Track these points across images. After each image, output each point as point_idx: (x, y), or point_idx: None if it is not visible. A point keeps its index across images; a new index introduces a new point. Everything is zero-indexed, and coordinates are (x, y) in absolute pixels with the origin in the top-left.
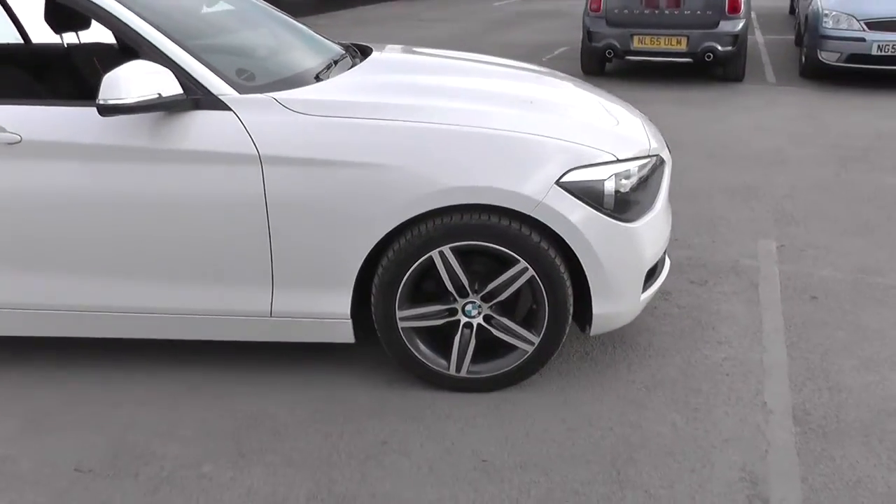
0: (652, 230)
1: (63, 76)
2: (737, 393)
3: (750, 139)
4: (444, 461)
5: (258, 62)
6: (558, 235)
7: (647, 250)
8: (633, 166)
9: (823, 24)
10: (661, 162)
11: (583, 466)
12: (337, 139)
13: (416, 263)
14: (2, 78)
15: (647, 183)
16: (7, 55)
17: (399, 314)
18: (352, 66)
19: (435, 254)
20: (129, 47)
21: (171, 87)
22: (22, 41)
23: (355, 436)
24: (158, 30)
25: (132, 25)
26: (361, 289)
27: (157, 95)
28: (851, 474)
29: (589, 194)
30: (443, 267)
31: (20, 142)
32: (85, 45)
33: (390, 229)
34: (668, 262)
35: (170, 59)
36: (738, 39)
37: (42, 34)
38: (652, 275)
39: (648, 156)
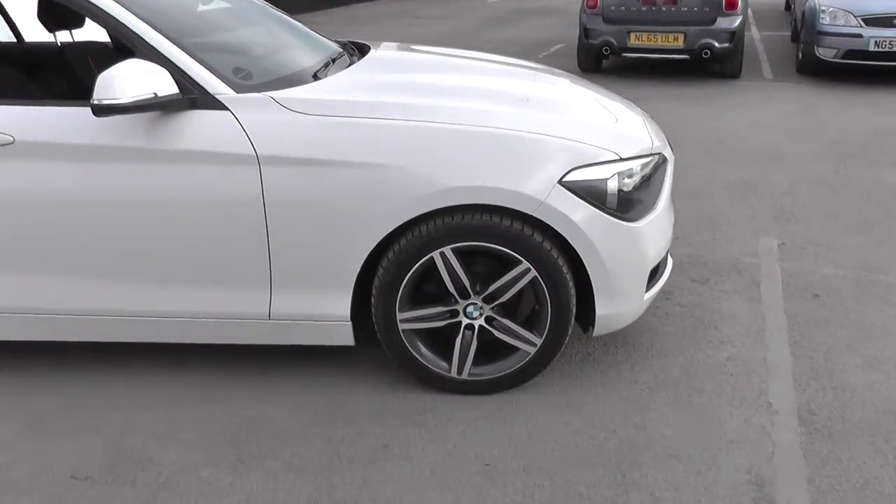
0: (655, 229)
1: (57, 76)
2: (741, 393)
3: (748, 136)
4: (446, 465)
5: (255, 61)
6: (561, 236)
7: (650, 250)
8: (635, 165)
9: (820, 21)
10: (664, 160)
11: (587, 469)
12: (336, 139)
13: (417, 264)
14: None
15: (649, 182)
16: None
17: (399, 316)
18: (350, 65)
19: (436, 255)
20: (124, 46)
21: (167, 86)
22: (15, 40)
23: (356, 439)
24: (154, 28)
25: (127, 23)
26: (361, 290)
27: (153, 95)
28: (858, 476)
29: (592, 194)
30: (444, 268)
31: (13, 143)
32: (79, 43)
33: (390, 230)
34: (670, 261)
35: (166, 57)
36: (736, 36)
37: (35, 33)
38: (655, 274)
39: (651, 154)
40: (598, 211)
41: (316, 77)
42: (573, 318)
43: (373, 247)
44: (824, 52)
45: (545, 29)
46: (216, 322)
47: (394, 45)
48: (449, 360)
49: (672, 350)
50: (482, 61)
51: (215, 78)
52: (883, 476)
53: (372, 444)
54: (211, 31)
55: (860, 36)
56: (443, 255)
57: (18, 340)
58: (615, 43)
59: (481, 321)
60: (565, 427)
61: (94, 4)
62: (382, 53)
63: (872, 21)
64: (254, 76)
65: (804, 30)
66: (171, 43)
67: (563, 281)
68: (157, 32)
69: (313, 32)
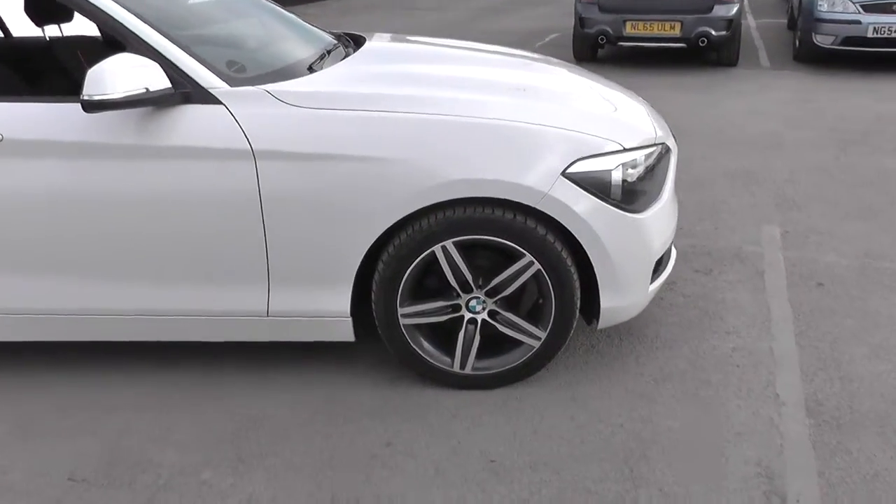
0: (659, 220)
1: (45, 71)
2: (748, 384)
3: (746, 124)
4: (450, 462)
5: (249, 53)
6: (564, 228)
7: (655, 241)
8: (639, 155)
9: (818, 7)
10: (667, 150)
11: (594, 464)
12: (333, 132)
13: (418, 259)
14: None
15: (653, 172)
16: None
17: (401, 311)
18: (345, 57)
19: (437, 249)
20: (115, 40)
21: (158, 80)
22: (1, 35)
23: (358, 437)
24: (144, 21)
25: (117, 17)
26: (361, 285)
27: (145, 90)
28: (869, 468)
29: (595, 185)
30: (445, 262)
31: (2, 140)
32: (68, 38)
33: (391, 224)
34: (674, 251)
35: (157, 51)
36: (733, 24)
37: (23, 27)
38: (659, 266)
39: (654, 144)
40: (602, 202)
41: (311, 69)
42: (578, 312)
43: (372, 241)
44: (822, 39)
45: (540, 18)
46: (213, 320)
47: (389, 36)
48: (451, 355)
49: (677, 341)
50: (479, 51)
51: (208, 71)
52: (893, 468)
53: (374, 441)
54: (203, 24)
55: (859, 22)
56: (444, 248)
57: (11, 342)
58: (611, 32)
59: (484, 315)
60: (571, 422)
61: None
62: (378, 45)
63: (871, 7)
64: (248, 69)
65: (801, 17)
66: (162, 36)
67: (568, 274)
68: (147, 26)
69: (307, 24)
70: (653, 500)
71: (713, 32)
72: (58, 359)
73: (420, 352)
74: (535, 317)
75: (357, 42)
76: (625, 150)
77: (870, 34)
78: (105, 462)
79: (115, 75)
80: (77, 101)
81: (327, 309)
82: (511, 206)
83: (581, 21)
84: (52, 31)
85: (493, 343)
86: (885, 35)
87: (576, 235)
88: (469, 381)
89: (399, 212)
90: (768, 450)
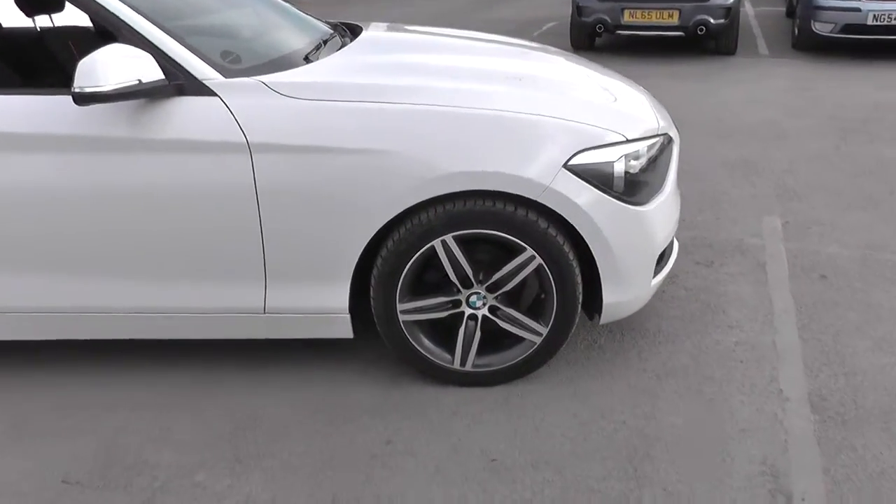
0: (662, 213)
1: (36, 62)
2: (751, 380)
3: (745, 113)
4: (451, 460)
5: (244, 44)
6: (566, 221)
7: (658, 234)
8: (642, 146)
9: None
10: (670, 140)
11: (597, 462)
12: (330, 124)
13: (418, 254)
14: None
15: (656, 163)
16: None
17: (400, 307)
18: (342, 47)
19: (437, 243)
20: (106, 30)
21: (151, 72)
22: None
23: (357, 435)
24: (137, 11)
25: (108, 7)
26: (360, 281)
27: (137, 82)
28: (875, 465)
29: (598, 177)
30: (445, 257)
31: None
32: (59, 28)
33: (389, 218)
34: (676, 244)
35: (150, 42)
36: (731, 12)
37: (12, 17)
38: (662, 259)
39: (657, 135)
40: (604, 195)
41: (307, 60)
42: (580, 306)
43: (371, 236)
44: (821, 27)
45: (537, 7)
46: (209, 317)
47: (386, 25)
48: (452, 351)
49: (679, 335)
50: (477, 41)
51: (202, 62)
52: None
53: (374, 439)
54: (197, 14)
55: (858, 10)
56: (444, 243)
57: (5, 340)
58: (609, 20)
59: (485, 311)
60: (573, 419)
61: None
62: (375, 34)
63: None
64: (243, 60)
65: (800, 4)
66: (155, 26)
67: (570, 268)
68: (140, 16)
69: (302, 13)
70: (657, 500)
71: (711, 20)
72: (54, 358)
73: (420, 348)
74: (536, 312)
75: (354, 32)
76: (627, 140)
77: (870, 21)
78: (101, 463)
79: (107, 67)
80: (68, 94)
81: (325, 305)
82: (512, 199)
83: (578, 10)
84: (42, 21)
85: (494, 339)
86: (886, 22)
87: (578, 229)
88: (469, 378)
89: (398, 205)
90: (773, 447)
